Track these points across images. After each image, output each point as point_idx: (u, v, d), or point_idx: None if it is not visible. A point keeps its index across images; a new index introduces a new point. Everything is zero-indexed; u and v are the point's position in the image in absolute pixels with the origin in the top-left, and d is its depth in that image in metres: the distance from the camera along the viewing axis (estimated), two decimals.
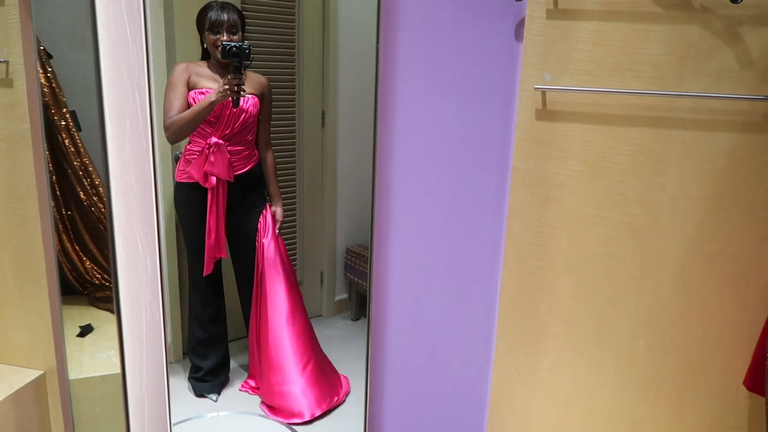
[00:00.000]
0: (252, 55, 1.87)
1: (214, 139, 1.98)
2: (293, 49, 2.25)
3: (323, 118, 2.36)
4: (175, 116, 1.96)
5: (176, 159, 2.14)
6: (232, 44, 1.84)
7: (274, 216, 2.17)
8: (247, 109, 2.01)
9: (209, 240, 2.04)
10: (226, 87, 1.88)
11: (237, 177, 2.06)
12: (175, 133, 1.98)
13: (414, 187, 1.43)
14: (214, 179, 1.99)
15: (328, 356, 2.29)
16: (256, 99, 2.05)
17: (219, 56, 1.94)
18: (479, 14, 1.31)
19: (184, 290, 2.26)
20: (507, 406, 1.48)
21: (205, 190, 2.02)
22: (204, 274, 2.07)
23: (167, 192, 2.15)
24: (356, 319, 2.54)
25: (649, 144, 1.25)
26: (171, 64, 2.04)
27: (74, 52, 1.71)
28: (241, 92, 1.91)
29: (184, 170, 2.05)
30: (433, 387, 1.58)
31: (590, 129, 1.27)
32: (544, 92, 1.28)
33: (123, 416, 1.43)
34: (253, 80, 2.05)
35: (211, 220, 2.03)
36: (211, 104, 1.93)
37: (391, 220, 1.45)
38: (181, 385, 2.23)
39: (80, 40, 1.38)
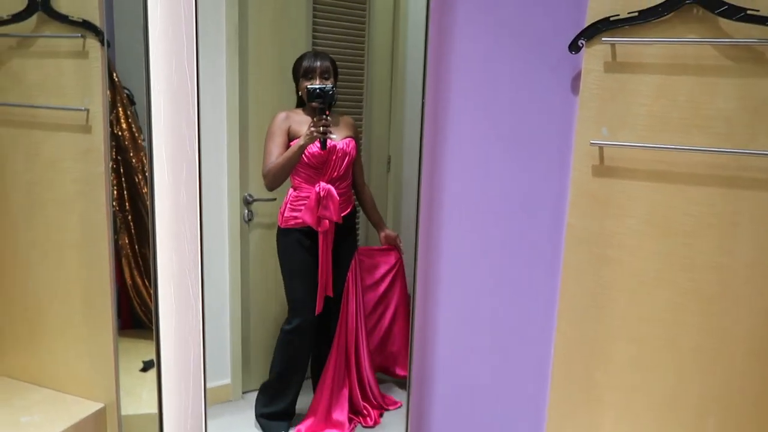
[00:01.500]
0: (336, 97, 1.92)
1: (323, 184, 2.03)
2: (361, 93, 2.30)
3: (389, 163, 2.37)
4: (270, 164, 2.04)
5: (245, 201, 2.20)
6: (316, 87, 1.89)
7: (387, 237, 2.20)
8: (349, 151, 2.07)
9: (321, 280, 2.08)
10: (313, 129, 1.94)
11: (342, 218, 2.11)
12: (272, 180, 2.06)
13: (462, 243, 1.39)
14: (327, 222, 2.04)
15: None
16: (354, 141, 2.10)
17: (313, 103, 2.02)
18: (535, 66, 1.28)
19: (247, 330, 2.29)
20: None
21: (314, 233, 2.07)
22: (317, 313, 2.12)
23: (233, 233, 2.21)
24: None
25: (719, 205, 1.16)
26: (244, 111, 2.13)
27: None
28: (328, 134, 1.96)
29: (291, 216, 2.11)
30: (482, 407, 1.49)
31: (652, 187, 1.20)
32: (601, 147, 1.22)
33: None
34: (347, 122, 2.10)
35: (322, 261, 2.07)
36: (301, 148, 1.99)
37: (439, 277, 1.41)
38: (244, 421, 2.24)
39: None
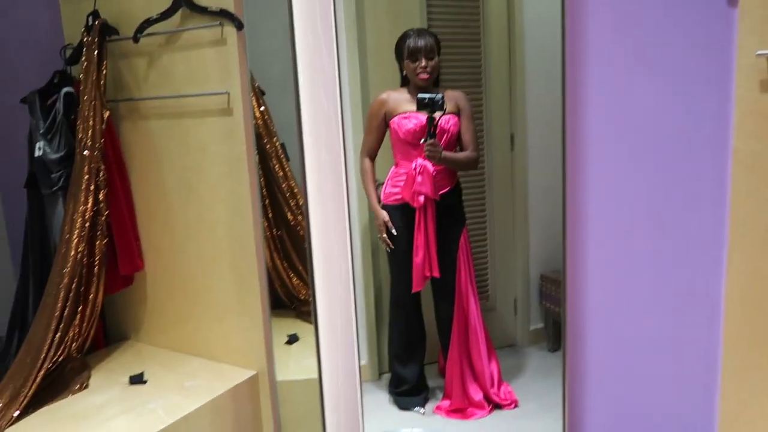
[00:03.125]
0: (445, 106, 1.94)
1: (420, 161, 2.05)
2: (479, 73, 2.26)
3: (512, 141, 2.31)
4: (363, 174, 2.18)
5: (379, 185, 2.26)
6: (425, 96, 1.92)
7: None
8: (448, 129, 2.06)
9: (417, 258, 2.09)
10: (426, 153, 2.01)
11: (441, 196, 2.10)
12: (361, 172, 2.19)
13: (611, 185, 1.30)
14: (422, 198, 2.05)
15: (523, 387, 2.22)
16: (455, 117, 2.09)
17: (418, 83, 2.04)
18: None
19: (380, 314, 2.33)
20: None
21: (412, 209, 2.08)
22: (413, 291, 2.13)
23: (362, 215, 2.26)
24: (554, 350, 2.38)
25: None
26: (366, 97, 2.18)
27: (284, 96, 1.92)
28: (438, 156, 2.02)
29: (391, 192, 2.15)
30: (645, 426, 1.39)
31: None
32: None
33: (320, 417, 1.49)
34: (451, 97, 2.09)
35: (419, 239, 2.09)
36: (375, 217, 2.17)
37: (587, 231, 1.33)
38: (382, 400, 2.28)
39: (289, 82, 1.51)
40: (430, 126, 1.96)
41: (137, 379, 1.91)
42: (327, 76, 1.30)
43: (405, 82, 2.14)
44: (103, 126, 1.94)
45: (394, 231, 2.11)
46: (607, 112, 1.29)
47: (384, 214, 2.13)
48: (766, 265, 1.16)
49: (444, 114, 2.01)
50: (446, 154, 2.05)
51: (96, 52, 1.91)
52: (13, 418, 1.70)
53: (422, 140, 2.00)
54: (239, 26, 1.74)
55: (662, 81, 1.22)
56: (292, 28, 1.24)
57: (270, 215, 2.10)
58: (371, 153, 2.16)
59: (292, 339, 2.09)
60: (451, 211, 2.15)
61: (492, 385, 2.20)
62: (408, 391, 2.25)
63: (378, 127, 2.12)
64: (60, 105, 2.01)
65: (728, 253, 1.19)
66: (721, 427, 1.25)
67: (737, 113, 1.13)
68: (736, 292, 1.19)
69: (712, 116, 1.21)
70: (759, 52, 1.09)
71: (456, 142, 2.12)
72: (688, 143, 1.24)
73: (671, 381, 1.35)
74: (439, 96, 1.92)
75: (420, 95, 1.94)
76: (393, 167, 2.15)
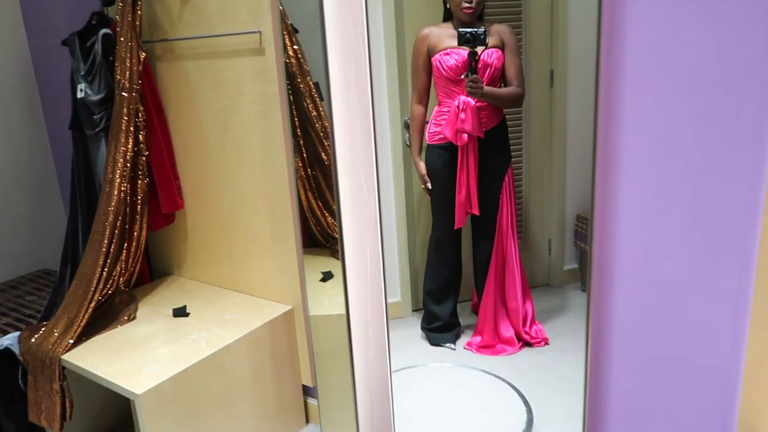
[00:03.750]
0: (487, 40, 1.89)
1: (462, 98, 2.02)
2: (520, 6, 2.18)
3: (551, 78, 2.24)
4: (412, 120, 2.16)
5: (405, 125, 2.24)
6: (467, 31, 1.87)
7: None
8: (491, 63, 2.01)
9: (460, 195, 2.11)
10: (468, 89, 1.97)
11: (486, 133, 2.08)
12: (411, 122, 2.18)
13: (648, 122, 1.26)
14: (465, 137, 2.04)
15: (555, 326, 2.24)
16: (499, 52, 2.04)
17: (461, 17, 1.99)
18: None
19: (413, 250, 2.37)
20: (766, 386, 1.23)
21: (455, 148, 2.08)
22: (456, 227, 2.16)
23: (395, 156, 2.26)
24: (587, 290, 2.38)
25: None
26: (400, 35, 2.13)
27: (318, 33, 1.90)
28: (479, 92, 1.97)
29: (435, 132, 2.14)
30: (670, 364, 1.39)
31: None
32: None
33: (346, 349, 1.55)
34: (495, 31, 2.03)
35: (461, 176, 2.09)
36: (416, 166, 2.16)
37: (620, 167, 1.30)
38: (414, 335, 2.35)
39: None
40: (471, 61, 1.92)
41: (180, 312, 2.01)
42: (356, 15, 1.28)
43: (448, 17, 2.09)
44: (140, 67, 1.97)
45: (429, 185, 2.12)
46: (647, 47, 1.24)
47: (422, 167, 2.13)
48: None
49: (486, 48, 1.96)
50: (488, 89, 2.01)
51: None
52: (69, 345, 1.83)
53: (463, 75, 1.97)
54: None
55: (710, 21, 1.16)
56: None
57: (304, 155, 2.12)
58: (421, 96, 2.13)
59: (327, 276, 2.15)
60: (496, 149, 2.13)
61: (524, 324, 2.23)
62: (440, 328, 2.31)
63: (423, 66, 2.09)
64: (98, 46, 2.04)
65: (766, 198, 1.15)
66: (746, 373, 1.25)
67: None
68: None
69: (764, 49, 1.14)
70: None
71: (500, 77, 2.07)
72: (733, 85, 1.18)
73: (698, 324, 1.34)
74: (481, 30, 1.87)
75: (461, 29, 1.90)
76: (436, 106, 2.13)
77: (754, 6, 1.12)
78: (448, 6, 2.04)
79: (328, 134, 2.07)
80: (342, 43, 1.26)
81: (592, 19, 1.46)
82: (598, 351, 1.43)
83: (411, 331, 2.37)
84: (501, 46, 2.03)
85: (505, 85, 2.09)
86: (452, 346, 2.27)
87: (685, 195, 1.27)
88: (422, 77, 2.10)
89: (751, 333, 1.22)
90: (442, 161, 2.13)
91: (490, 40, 1.98)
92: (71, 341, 1.83)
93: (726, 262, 1.28)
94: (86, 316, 1.88)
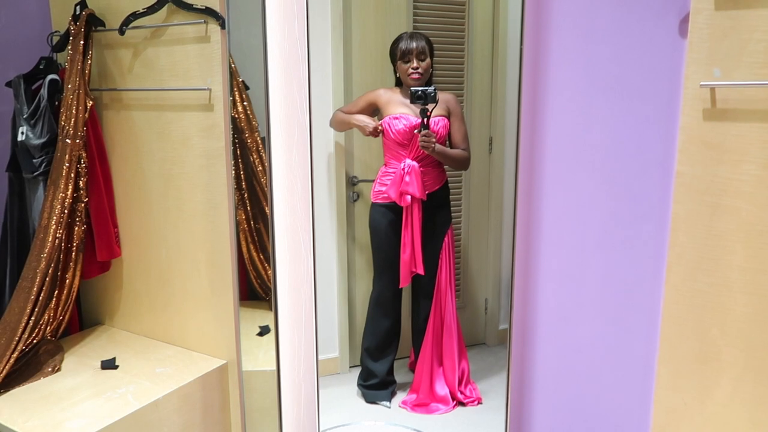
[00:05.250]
0: (437, 98, 2.01)
1: (408, 161, 2.11)
2: (462, 76, 2.32)
3: (491, 144, 2.37)
4: (340, 112, 2.20)
5: (351, 182, 2.31)
6: (418, 89, 1.99)
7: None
8: (437, 131, 2.12)
9: (404, 255, 2.17)
10: (421, 144, 2.07)
11: (428, 196, 2.16)
12: (333, 124, 2.23)
13: (564, 199, 1.37)
14: (408, 198, 2.12)
15: (487, 384, 2.30)
16: (445, 120, 2.15)
17: (410, 83, 2.11)
18: (637, 12, 1.24)
19: (353, 306, 2.40)
20: None
21: (400, 208, 2.15)
22: (400, 286, 2.22)
23: (340, 213, 2.32)
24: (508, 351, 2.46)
25: None
26: (348, 96, 2.23)
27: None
28: (431, 146, 2.07)
29: (379, 191, 2.21)
30: (586, 419, 1.47)
31: None
32: (713, 89, 1.16)
33: (276, 406, 1.55)
34: (443, 100, 2.16)
35: (406, 236, 2.16)
36: (359, 127, 2.17)
37: (541, 234, 1.40)
38: (350, 392, 2.35)
39: None
40: (424, 117, 2.02)
41: (109, 364, 1.96)
42: (300, 80, 1.36)
43: (398, 84, 2.20)
44: (86, 115, 1.98)
45: (372, 124, 2.15)
46: (564, 126, 1.36)
47: (361, 118, 2.18)
48: (699, 281, 1.23)
49: (435, 106, 2.06)
50: (440, 147, 2.11)
51: (82, 42, 1.95)
52: None
53: (416, 131, 2.06)
54: (223, 25, 1.79)
55: (617, 104, 1.29)
56: (265, 37, 1.29)
57: (248, 208, 2.15)
58: (346, 111, 2.21)
59: (264, 330, 2.14)
60: (437, 211, 2.22)
61: (460, 383, 2.27)
62: (376, 385, 2.32)
63: (362, 108, 2.19)
64: (44, 91, 2.04)
65: (667, 267, 1.27)
66: (654, 427, 1.33)
67: (681, 139, 1.21)
68: (672, 305, 1.27)
69: (661, 139, 1.28)
70: (703, 83, 1.16)
71: (445, 144, 2.18)
72: (636, 163, 1.31)
73: (610, 386, 1.43)
74: (432, 88, 1.99)
75: (413, 88, 2.01)
76: (382, 166, 2.21)
77: (655, 89, 1.26)
78: (398, 74, 2.17)
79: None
80: (287, 107, 1.33)
81: None
82: (520, 411, 1.48)
83: (347, 388, 2.37)
84: (447, 115, 2.16)
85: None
86: (387, 404, 2.28)
87: (598, 266, 1.38)
88: (356, 110, 2.20)
89: (657, 396, 1.31)
90: (386, 220, 2.20)
91: (437, 109, 2.10)
92: None
93: (633, 330, 1.38)
94: (7, 367, 1.81)
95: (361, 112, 2.18)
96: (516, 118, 1.81)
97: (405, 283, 2.19)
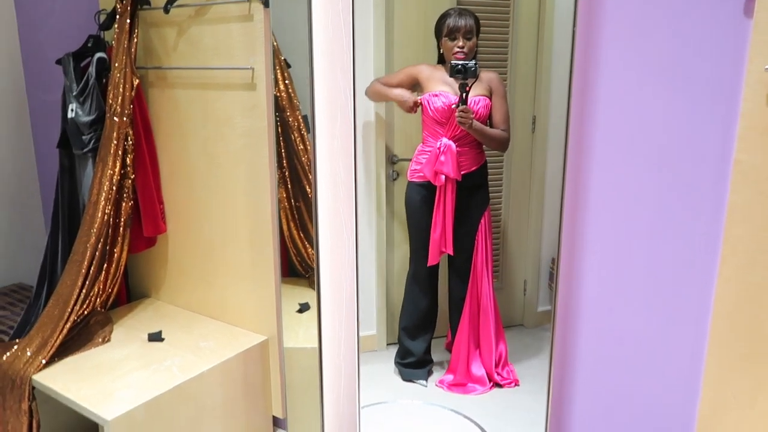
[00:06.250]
0: (478, 72, 1.97)
1: (444, 140, 2.09)
2: (506, 54, 2.26)
3: (534, 123, 2.32)
4: (378, 83, 2.15)
5: (391, 160, 2.30)
6: (459, 63, 1.94)
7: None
8: (477, 110, 2.08)
9: (434, 234, 2.16)
10: (458, 119, 2.03)
11: (464, 176, 2.14)
12: (370, 94, 2.18)
13: (614, 184, 1.33)
14: (443, 178, 2.10)
15: (525, 366, 2.29)
16: (487, 100, 2.11)
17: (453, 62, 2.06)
18: None
19: (391, 284, 2.40)
20: None
21: (434, 187, 2.13)
22: (429, 264, 2.21)
23: (379, 191, 2.31)
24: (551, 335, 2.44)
25: None
26: (390, 68, 2.20)
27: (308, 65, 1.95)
28: (468, 122, 2.03)
29: (415, 170, 2.19)
30: (629, 411, 1.44)
31: None
32: None
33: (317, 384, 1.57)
34: (484, 79, 2.11)
35: (438, 215, 2.15)
36: (399, 102, 2.12)
37: (586, 223, 1.37)
38: (387, 369, 2.37)
39: None
40: (462, 92, 1.99)
41: (156, 337, 2.02)
42: (345, 65, 1.34)
43: (441, 61, 2.16)
44: (133, 93, 2.01)
45: (409, 97, 2.12)
46: (615, 111, 1.31)
47: (398, 92, 2.14)
48: (755, 274, 1.19)
49: (475, 81, 2.02)
50: (478, 124, 2.06)
51: (128, 21, 1.97)
52: (41, 365, 1.83)
53: (453, 105, 2.03)
54: (266, 3, 1.78)
55: (671, 87, 1.24)
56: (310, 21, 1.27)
57: (289, 186, 2.16)
58: (386, 83, 2.17)
59: (304, 308, 2.17)
60: (474, 192, 2.19)
61: (497, 365, 2.27)
62: (413, 364, 2.33)
63: (402, 81, 2.15)
64: (93, 69, 2.08)
65: (721, 259, 1.22)
66: (699, 425, 1.30)
67: (741, 126, 1.15)
68: (725, 298, 1.22)
69: (720, 125, 1.22)
70: None
71: (486, 124, 2.14)
72: (691, 149, 1.26)
73: (656, 375, 1.40)
74: (472, 63, 1.94)
75: (453, 61, 1.97)
76: (420, 144, 2.19)
77: (714, 74, 1.20)
78: (441, 51, 2.13)
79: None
80: (329, 92, 1.32)
81: None
82: (561, 396, 1.47)
83: (384, 365, 2.39)
84: (488, 94, 2.11)
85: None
86: (424, 382, 2.30)
87: (647, 252, 1.34)
88: (395, 82, 2.15)
89: (705, 387, 1.27)
90: (420, 197, 2.19)
91: (479, 88, 2.05)
92: (44, 361, 1.83)
93: (682, 319, 1.34)
94: (60, 337, 1.88)
95: (400, 85, 2.14)
96: (566, 97, 1.77)
97: (434, 262, 2.19)
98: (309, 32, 1.28)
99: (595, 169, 1.34)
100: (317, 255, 1.41)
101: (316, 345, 1.91)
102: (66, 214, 2.25)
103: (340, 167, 1.37)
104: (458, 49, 2.05)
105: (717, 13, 1.19)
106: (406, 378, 2.33)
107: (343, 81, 1.32)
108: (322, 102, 1.30)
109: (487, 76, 2.11)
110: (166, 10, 1.92)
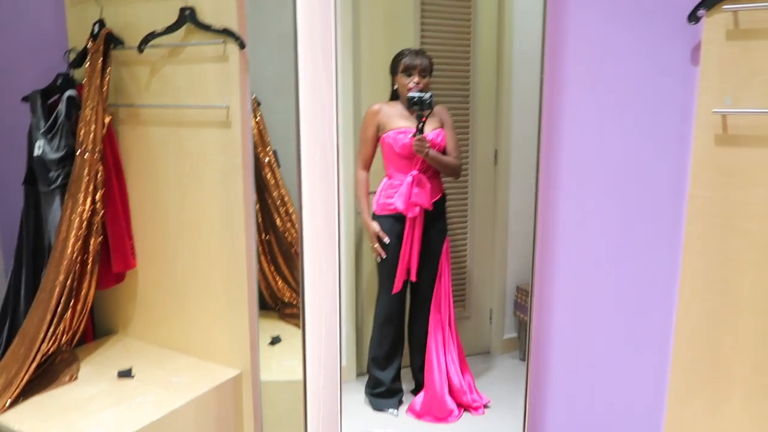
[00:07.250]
0: (433, 104, 2.06)
1: (415, 172, 2.15)
2: (468, 90, 2.36)
3: (495, 156, 2.41)
4: (358, 185, 2.26)
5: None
6: (416, 95, 2.03)
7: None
8: (438, 142, 2.17)
9: (402, 262, 2.21)
10: (415, 149, 2.11)
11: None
12: (356, 189, 2.28)
13: (580, 218, 1.42)
14: (417, 209, 2.16)
15: (493, 393, 2.32)
16: (441, 131, 2.20)
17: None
18: (650, 40, 1.29)
19: (360, 315, 2.43)
20: None
21: (403, 218, 2.19)
22: (393, 292, 2.25)
23: (347, 222, 2.35)
24: (525, 359, 2.49)
25: None
26: (358, 109, 2.27)
27: (278, 101, 1.99)
28: (425, 151, 2.11)
29: (385, 203, 2.25)
30: (598, 430, 1.51)
31: None
32: (724, 116, 1.21)
33: (302, 415, 1.59)
34: (434, 113, 2.19)
35: (406, 246, 2.20)
36: (368, 227, 2.25)
37: (556, 254, 1.45)
38: (358, 400, 2.38)
39: (284, 90, 1.62)
40: (419, 122, 2.07)
41: (125, 374, 1.98)
42: (325, 106, 1.40)
43: (394, 97, 2.24)
44: (104, 130, 2.01)
45: (386, 240, 2.21)
46: (579, 152, 1.41)
47: (376, 225, 2.23)
48: (713, 300, 1.28)
49: (431, 112, 2.10)
50: (433, 152, 2.15)
51: (100, 60, 1.98)
52: (6, 406, 1.77)
53: (411, 135, 2.11)
54: (242, 45, 1.83)
55: (632, 129, 1.34)
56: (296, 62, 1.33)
57: (260, 220, 2.19)
58: (366, 164, 2.25)
59: (275, 340, 2.18)
60: (435, 222, 2.26)
61: (465, 393, 2.31)
62: (383, 393, 2.35)
63: (372, 137, 2.22)
64: (62, 107, 2.07)
65: (680, 287, 1.32)
66: None
67: (694, 163, 1.26)
68: (685, 323, 1.31)
69: (674, 161, 1.33)
70: (715, 110, 1.22)
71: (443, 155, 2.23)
72: (651, 185, 1.36)
73: (623, 398, 1.47)
74: (429, 95, 2.03)
75: (410, 93, 2.06)
76: (385, 179, 2.25)
77: (668, 115, 1.31)
78: (395, 87, 2.21)
79: (285, 202, 2.18)
80: (313, 130, 1.37)
81: (533, 106, 1.64)
82: (534, 419, 1.53)
83: (354, 396, 2.39)
84: (441, 126, 2.21)
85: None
86: (395, 411, 2.31)
87: (612, 278, 1.43)
88: (370, 147, 2.23)
89: (669, 408, 1.35)
90: (390, 231, 2.25)
91: (434, 122, 2.15)
92: (9, 402, 1.78)
93: (646, 344, 1.42)
94: (27, 376, 1.83)
95: (373, 150, 2.23)
96: (527, 132, 1.86)
97: (397, 289, 2.24)
98: (295, 79, 1.34)
99: (561, 202, 1.43)
100: (302, 289, 1.44)
101: (290, 378, 1.92)
102: (30, 250, 2.20)
103: (319, 203, 1.42)
104: (414, 85, 2.14)
105: (668, 61, 1.31)
106: (377, 408, 2.34)
107: (323, 115, 1.38)
108: (306, 138, 1.35)
109: (437, 109, 2.21)
110: (140, 50, 1.95)
